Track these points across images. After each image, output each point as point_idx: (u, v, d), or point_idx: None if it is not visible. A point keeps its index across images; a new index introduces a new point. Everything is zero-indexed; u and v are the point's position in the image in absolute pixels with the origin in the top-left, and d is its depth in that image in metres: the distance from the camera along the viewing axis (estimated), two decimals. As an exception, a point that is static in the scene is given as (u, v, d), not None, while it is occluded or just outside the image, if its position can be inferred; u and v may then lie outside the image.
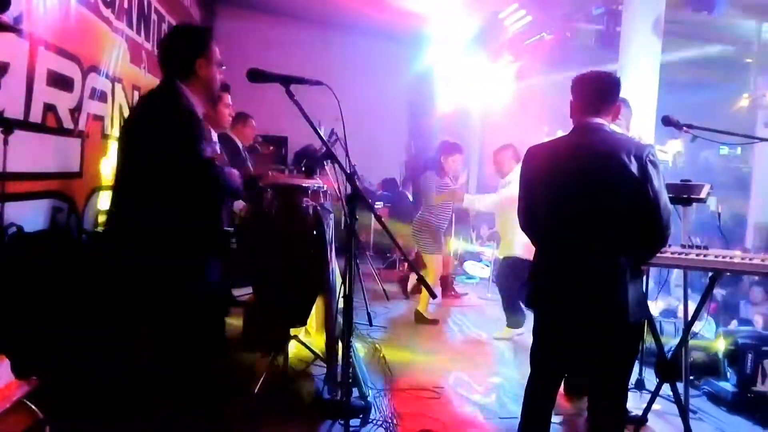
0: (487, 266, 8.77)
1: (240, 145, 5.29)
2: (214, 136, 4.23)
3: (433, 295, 2.61)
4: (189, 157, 2.34)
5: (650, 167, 2.58)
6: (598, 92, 2.83)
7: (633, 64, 6.57)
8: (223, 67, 2.87)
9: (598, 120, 2.77)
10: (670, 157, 5.16)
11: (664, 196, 2.61)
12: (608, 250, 2.64)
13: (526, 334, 5.45)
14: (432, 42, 10.21)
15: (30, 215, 3.68)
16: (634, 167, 2.57)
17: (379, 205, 9.33)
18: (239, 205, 5.02)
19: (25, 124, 3.71)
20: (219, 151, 4.30)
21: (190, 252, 2.46)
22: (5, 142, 3.19)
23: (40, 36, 3.86)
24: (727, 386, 4.27)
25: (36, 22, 3.76)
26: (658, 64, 6.53)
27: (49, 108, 4.04)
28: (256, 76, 2.39)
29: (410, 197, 9.42)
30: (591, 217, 2.66)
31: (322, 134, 2.79)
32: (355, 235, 2.51)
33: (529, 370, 2.98)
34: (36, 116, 3.88)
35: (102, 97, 4.93)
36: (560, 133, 10.89)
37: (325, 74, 7.89)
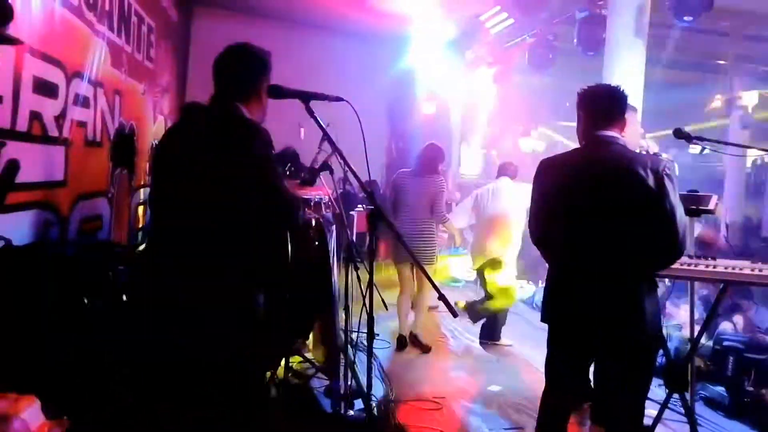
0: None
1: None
2: None
3: (454, 314, 2.56)
4: (273, 192, 2.31)
5: (667, 181, 2.58)
6: (609, 106, 2.83)
7: (618, 68, 6.60)
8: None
9: (610, 133, 2.77)
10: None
11: (680, 210, 2.61)
12: (624, 263, 2.63)
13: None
14: (412, 43, 10.17)
15: (17, 227, 3.54)
16: (651, 181, 2.56)
17: (360, 208, 9.25)
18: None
19: (13, 134, 3.56)
20: None
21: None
22: (-3, 155, 3.05)
23: (26, 41, 3.71)
24: (723, 391, 4.32)
25: (21, 27, 3.61)
26: (643, 67, 6.59)
27: (35, 116, 3.89)
28: (277, 92, 2.31)
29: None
30: (607, 231, 2.65)
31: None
32: (374, 250, 2.44)
33: (527, 379, 2.96)
34: (22, 125, 3.73)
35: (85, 102, 4.76)
36: (535, 134, 10.95)
37: (304, 75, 7.84)
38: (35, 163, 3.89)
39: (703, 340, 4.90)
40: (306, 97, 2.37)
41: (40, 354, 2.40)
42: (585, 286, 2.70)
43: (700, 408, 4.29)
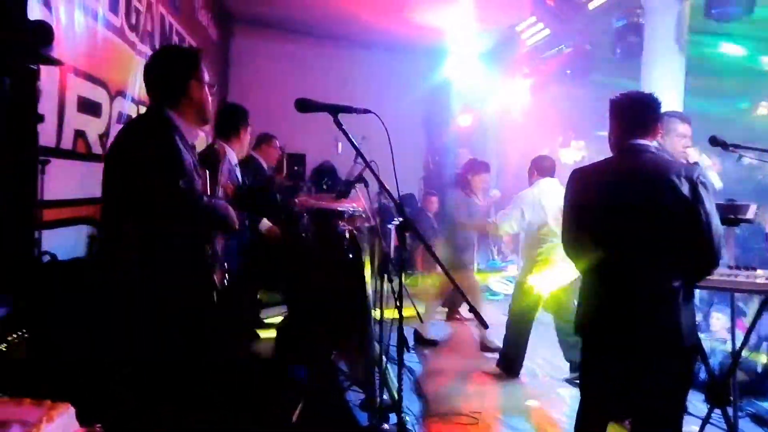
0: (511, 282, 8.68)
1: (264, 165, 5.26)
2: (233, 159, 4.19)
3: (485, 325, 2.55)
4: (165, 189, 2.25)
5: (701, 188, 2.53)
6: (639, 114, 2.78)
7: (656, 77, 6.49)
8: (214, 88, 2.75)
9: (643, 141, 2.72)
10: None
11: (716, 218, 2.55)
12: (659, 273, 2.58)
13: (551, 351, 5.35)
14: (449, 55, 10.19)
15: (62, 243, 3.66)
16: (685, 188, 2.51)
17: (397, 221, 9.26)
18: (265, 225, 5.00)
19: (58, 152, 3.70)
20: (237, 176, 4.28)
21: (172, 288, 2.36)
22: (42, 172, 3.17)
23: (70, 63, 3.86)
24: (772, 406, 4.18)
25: (66, 49, 3.75)
26: (683, 77, 6.46)
27: (79, 134, 4.03)
28: (305, 106, 2.32)
29: (430, 214, 9.36)
30: (641, 240, 2.60)
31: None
32: (403, 262, 2.45)
33: (565, 394, 2.91)
34: (67, 143, 3.87)
35: (128, 120, 4.92)
36: (574, 144, 10.77)
37: (340, 89, 7.94)
38: (79, 180, 4.04)
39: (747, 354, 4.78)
40: (334, 110, 2.37)
41: (78, 363, 2.47)
42: (618, 297, 2.66)
43: (745, 424, 4.16)
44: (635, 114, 2.78)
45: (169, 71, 2.51)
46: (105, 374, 2.40)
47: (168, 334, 2.32)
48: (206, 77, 2.59)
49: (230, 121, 4.27)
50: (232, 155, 4.23)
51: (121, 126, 4.58)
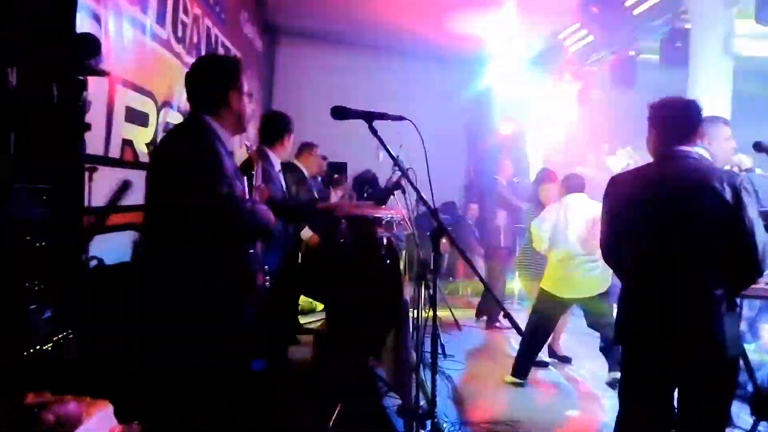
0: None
1: (306, 173, 5.34)
2: (277, 165, 4.28)
3: (520, 332, 2.54)
4: (207, 193, 2.29)
5: (745, 194, 2.47)
6: (680, 120, 2.74)
7: (703, 84, 6.36)
8: (253, 97, 2.80)
9: (684, 148, 2.67)
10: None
11: (760, 225, 2.49)
12: (702, 281, 2.53)
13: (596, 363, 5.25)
14: (490, 63, 10.16)
15: (111, 248, 3.79)
16: (728, 195, 2.46)
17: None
18: (307, 233, 5.07)
19: (106, 160, 3.83)
20: (282, 182, 4.36)
21: (211, 293, 2.40)
22: (90, 179, 3.29)
23: (118, 74, 4.00)
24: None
25: (114, 60, 3.89)
26: (731, 83, 6.31)
27: (126, 143, 4.17)
28: (340, 113, 2.36)
29: (470, 221, 9.33)
30: (683, 248, 2.55)
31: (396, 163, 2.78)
32: (437, 269, 2.46)
33: (605, 404, 2.86)
34: (115, 151, 4.01)
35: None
36: (621, 152, 10.60)
37: (383, 98, 7.92)
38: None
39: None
40: (369, 117, 2.40)
41: (119, 363, 2.56)
42: (659, 305, 2.61)
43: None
44: (675, 120, 2.74)
45: (210, 80, 2.59)
46: (144, 374, 2.47)
47: (211, 336, 2.37)
48: (246, 87, 2.66)
49: (275, 128, 4.37)
50: (277, 161, 4.32)
51: (166, 135, 4.78)
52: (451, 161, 10.26)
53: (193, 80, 2.61)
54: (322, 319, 3.94)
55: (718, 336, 2.48)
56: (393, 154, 2.60)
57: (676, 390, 2.71)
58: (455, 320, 6.80)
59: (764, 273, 2.63)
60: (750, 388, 3.53)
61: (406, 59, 10.35)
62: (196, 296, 2.34)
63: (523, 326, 3.93)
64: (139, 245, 3.71)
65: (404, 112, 2.62)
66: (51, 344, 2.33)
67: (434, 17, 8.67)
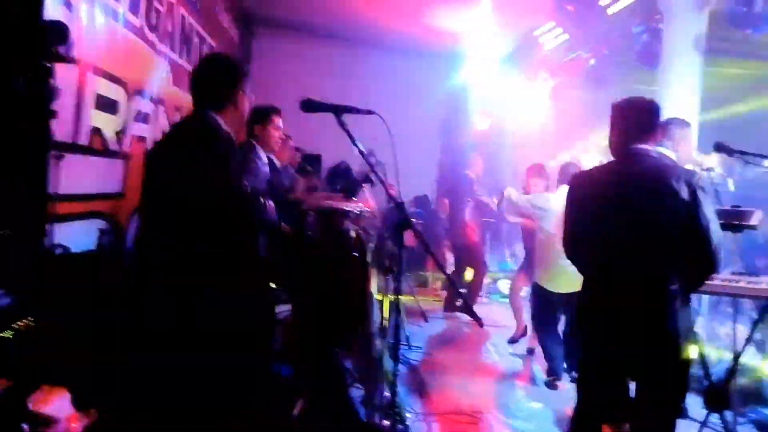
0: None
1: (278, 164, 5.34)
2: (264, 157, 4.26)
3: (480, 324, 2.60)
4: (229, 191, 2.33)
5: (700, 193, 2.55)
6: (639, 119, 2.82)
7: (675, 83, 6.47)
8: (252, 96, 2.85)
9: (643, 146, 2.75)
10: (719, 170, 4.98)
11: (715, 222, 2.57)
12: (658, 277, 2.61)
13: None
14: (466, 59, 10.21)
15: (76, 236, 3.77)
16: (684, 193, 2.54)
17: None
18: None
19: (74, 147, 3.80)
20: (269, 175, 4.35)
21: (227, 282, 2.43)
22: (56, 166, 3.27)
23: (89, 61, 3.97)
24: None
25: (85, 48, 3.86)
26: (700, 82, 6.43)
27: (95, 131, 4.14)
28: (310, 106, 2.38)
29: (442, 215, 9.37)
30: (640, 245, 2.63)
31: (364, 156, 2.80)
32: (401, 261, 2.50)
33: (567, 396, 2.93)
34: (83, 139, 3.98)
35: (145, 119, 5.03)
36: (594, 150, 10.71)
37: (359, 91, 7.91)
38: (95, 176, 4.15)
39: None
40: (338, 111, 2.43)
41: (81, 351, 2.56)
42: (616, 301, 2.69)
43: (747, 431, 4.12)
44: (635, 119, 2.82)
45: (221, 79, 2.66)
46: (108, 363, 2.49)
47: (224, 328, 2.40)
48: (247, 89, 2.76)
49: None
50: (263, 154, 4.28)
51: (138, 124, 4.75)
52: (426, 155, 10.33)
53: (204, 76, 2.68)
54: (288, 310, 3.97)
55: (673, 331, 2.57)
56: (362, 147, 2.62)
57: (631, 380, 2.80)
58: (421, 311, 6.87)
59: (719, 269, 2.71)
60: (704, 381, 3.64)
61: (382, 53, 10.35)
62: (214, 290, 2.37)
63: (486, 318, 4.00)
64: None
65: (380, 105, 2.64)
66: (11, 331, 2.33)
67: (412, 11, 8.68)
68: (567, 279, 4.80)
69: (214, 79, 2.64)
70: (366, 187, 4.29)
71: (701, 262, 2.60)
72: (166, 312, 2.37)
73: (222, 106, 2.58)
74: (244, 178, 2.40)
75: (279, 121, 4.29)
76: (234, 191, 2.35)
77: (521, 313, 6.21)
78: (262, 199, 2.58)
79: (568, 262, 4.72)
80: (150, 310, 2.42)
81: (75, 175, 3.75)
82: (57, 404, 1.98)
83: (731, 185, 4.99)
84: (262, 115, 4.25)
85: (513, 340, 6.16)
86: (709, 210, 2.55)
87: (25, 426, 2.02)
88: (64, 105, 3.59)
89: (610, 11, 7.74)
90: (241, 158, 2.47)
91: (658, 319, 2.59)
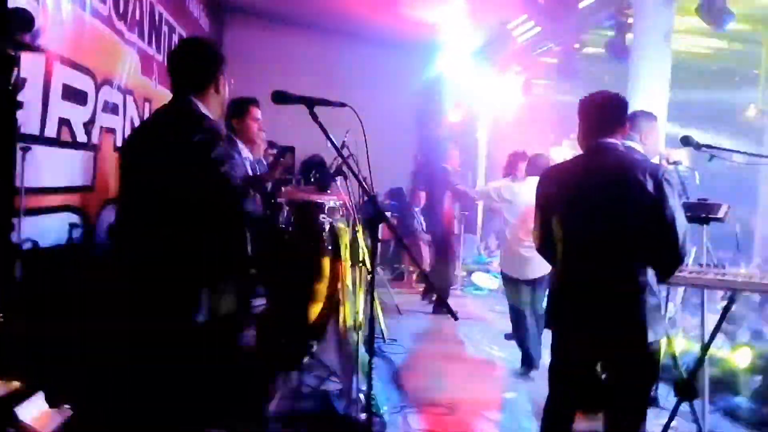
0: (496, 277, 8.74)
1: (251, 158, 5.28)
2: (245, 151, 4.18)
3: (455, 317, 2.61)
4: (218, 184, 2.29)
5: (666, 186, 2.59)
6: (608, 113, 2.85)
7: (644, 75, 6.55)
8: (232, 83, 2.80)
9: (610, 140, 2.78)
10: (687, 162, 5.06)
11: (680, 215, 2.61)
12: (626, 269, 2.65)
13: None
14: (441, 51, 10.22)
15: (45, 230, 3.69)
16: (650, 186, 2.57)
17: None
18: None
19: (41, 139, 3.72)
20: (250, 167, 4.29)
21: (211, 277, 2.40)
22: (23, 159, 3.19)
23: (56, 50, 3.88)
24: (744, 402, 4.25)
25: (52, 37, 3.77)
26: (669, 74, 6.52)
27: (63, 122, 4.05)
28: (281, 98, 2.34)
29: (417, 208, 9.39)
30: (608, 237, 2.67)
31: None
32: (375, 254, 2.49)
33: (542, 387, 2.97)
34: (51, 131, 3.89)
35: (114, 109, 4.93)
36: (566, 143, 10.82)
37: (333, 82, 7.87)
38: (63, 168, 4.06)
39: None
40: (310, 103, 2.39)
41: (50, 346, 2.51)
42: (585, 293, 2.72)
43: (718, 420, 4.22)
44: (602, 113, 2.85)
45: (202, 62, 2.59)
46: (81, 360, 2.45)
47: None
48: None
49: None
50: (243, 148, 4.19)
51: (107, 114, 4.66)
52: (400, 147, 10.31)
53: (183, 60, 2.59)
54: (263, 304, 3.94)
55: (641, 321, 2.61)
56: (334, 140, 2.60)
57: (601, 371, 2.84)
58: (395, 305, 6.90)
59: (685, 261, 2.75)
60: (674, 371, 3.71)
61: (356, 43, 10.29)
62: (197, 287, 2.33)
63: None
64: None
65: (353, 96, 2.61)
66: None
67: (386, 2, 8.66)
68: (530, 266, 4.97)
69: (194, 63, 2.56)
70: (339, 179, 4.26)
71: (667, 254, 2.64)
72: (148, 307, 2.33)
73: (203, 90, 2.52)
74: (231, 166, 2.33)
75: (257, 112, 4.11)
76: (221, 181, 2.29)
77: None
78: (251, 190, 2.54)
79: (528, 249, 4.82)
80: (131, 305, 2.37)
81: (43, 168, 3.68)
82: (31, 399, 1.94)
83: (697, 178, 5.08)
84: (239, 107, 4.06)
85: (510, 336, 5.78)
86: (674, 202, 2.59)
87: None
88: (30, 96, 3.50)
89: (580, 5, 7.80)
90: (228, 146, 2.40)
91: (627, 311, 2.63)
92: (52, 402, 2.02)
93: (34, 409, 1.93)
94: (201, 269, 2.37)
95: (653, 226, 2.57)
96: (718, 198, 3.70)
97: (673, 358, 3.46)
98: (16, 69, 2.88)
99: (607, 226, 2.65)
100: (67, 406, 2.07)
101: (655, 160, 3.87)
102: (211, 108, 2.57)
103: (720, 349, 4.72)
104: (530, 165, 5.35)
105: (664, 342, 3.29)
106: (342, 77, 9.40)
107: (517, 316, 5.16)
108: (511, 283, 5.20)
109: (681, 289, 5.12)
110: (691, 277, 3.18)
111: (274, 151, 6.04)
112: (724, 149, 3.32)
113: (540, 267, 4.81)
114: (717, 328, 3.22)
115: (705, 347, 3.33)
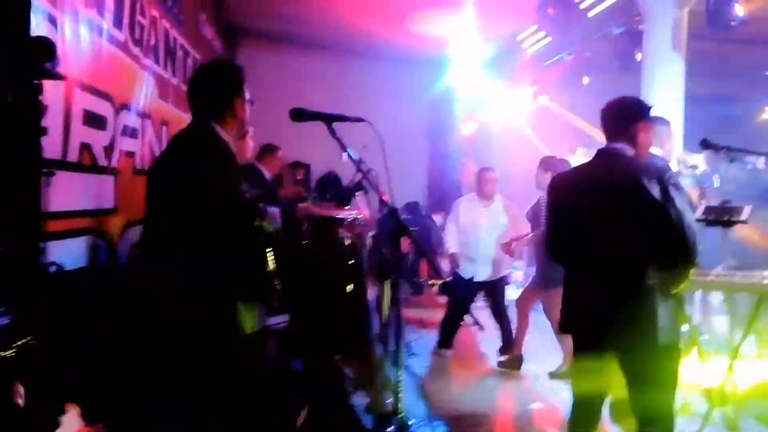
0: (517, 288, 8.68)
1: (266, 174, 5.32)
2: (265, 173, 4.21)
3: (482, 328, 2.60)
4: (232, 204, 2.31)
5: (672, 189, 2.60)
6: (615, 118, 2.88)
7: (657, 83, 6.54)
8: (254, 106, 2.81)
9: (618, 145, 2.81)
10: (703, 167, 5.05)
11: (689, 217, 2.61)
12: (635, 272, 2.65)
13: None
14: (451, 65, 10.26)
15: (69, 253, 3.73)
16: (655, 190, 2.58)
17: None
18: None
19: (63, 164, 3.77)
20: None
21: (233, 295, 2.41)
22: (47, 184, 3.23)
23: (75, 77, 3.94)
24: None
25: (71, 64, 3.83)
26: (683, 82, 6.50)
27: (84, 147, 4.10)
28: (299, 115, 2.36)
29: (436, 222, 9.39)
30: (616, 241, 2.69)
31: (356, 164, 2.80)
32: (399, 268, 2.49)
33: (569, 396, 2.96)
34: (73, 155, 3.95)
35: (133, 133, 4.99)
36: (580, 151, 10.79)
37: (345, 100, 7.91)
38: (86, 192, 4.11)
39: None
40: (328, 119, 2.41)
41: (83, 367, 2.53)
42: (599, 297, 2.73)
43: (752, 426, 4.12)
44: (612, 118, 2.89)
45: (217, 86, 2.61)
46: (112, 377, 2.46)
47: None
48: (248, 94, 2.70)
49: None
50: (264, 170, 4.22)
51: (126, 138, 4.72)
52: (414, 162, 10.34)
53: (200, 86, 2.63)
54: (285, 321, 3.94)
55: (652, 324, 2.60)
56: (354, 155, 2.62)
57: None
58: (419, 318, 6.88)
59: (694, 262, 2.73)
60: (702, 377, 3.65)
61: (367, 61, 10.38)
62: (221, 304, 2.35)
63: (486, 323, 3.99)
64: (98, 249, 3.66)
65: (366, 113, 2.63)
66: (12, 350, 2.30)
67: (395, 19, 8.73)
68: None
69: (209, 88, 2.59)
70: (358, 194, 4.28)
71: (677, 258, 2.64)
72: (171, 324, 2.34)
73: (219, 114, 2.55)
74: (244, 189, 2.36)
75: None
76: (237, 204, 2.31)
77: (523, 332, 5.50)
78: (261, 206, 2.56)
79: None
80: (154, 323, 2.38)
81: (65, 192, 3.72)
82: (67, 418, 1.95)
83: (716, 181, 5.06)
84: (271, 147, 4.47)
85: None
86: (681, 206, 2.59)
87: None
88: (52, 122, 3.56)
89: (590, 14, 7.83)
90: (238, 168, 2.43)
91: (638, 314, 2.64)
92: (89, 420, 2.04)
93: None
94: (223, 288, 2.38)
95: (661, 228, 2.57)
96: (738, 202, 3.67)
97: (700, 363, 3.42)
98: (39, 96, 2.92)
99: (616, 231, 2.67)
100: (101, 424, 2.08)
101: (673, 165, 3.87)
102: (228, 130, 2.59)
103: (750, 354, 4.64)
104: (543, 165, 5.35)
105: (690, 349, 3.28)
106: (353, 95, 9.48)
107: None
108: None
109: (710, 294, 5.07)
110: (717, 281, 3.15)
111: (302, 170, 6.09)
112: (744, 150, 3.30)
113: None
114: (746, 333, 3.18)
115: (734, 352, 3.29)
